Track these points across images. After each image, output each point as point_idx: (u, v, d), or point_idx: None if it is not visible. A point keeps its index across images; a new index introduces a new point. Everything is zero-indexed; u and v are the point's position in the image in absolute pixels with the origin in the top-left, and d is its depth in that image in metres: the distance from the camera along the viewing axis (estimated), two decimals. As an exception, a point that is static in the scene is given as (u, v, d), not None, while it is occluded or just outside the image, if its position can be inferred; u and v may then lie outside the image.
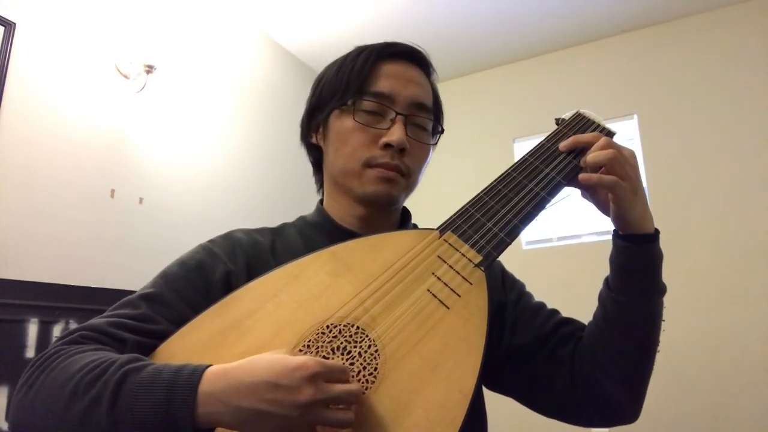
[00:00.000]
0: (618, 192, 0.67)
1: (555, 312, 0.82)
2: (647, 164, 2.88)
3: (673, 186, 2.79)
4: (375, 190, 0.75)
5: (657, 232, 0.70)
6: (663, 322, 0.72)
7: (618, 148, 0.69)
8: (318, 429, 0.52)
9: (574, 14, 2.92)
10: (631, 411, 0.73)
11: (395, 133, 0.74)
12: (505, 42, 3.18)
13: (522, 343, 0.77)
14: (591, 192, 0.73)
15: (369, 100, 0.75)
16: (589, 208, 0.76)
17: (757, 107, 2.68)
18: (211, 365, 0.53)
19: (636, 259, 0.68)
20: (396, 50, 0.79)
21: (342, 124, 0.76)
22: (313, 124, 0.83)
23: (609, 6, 2.86)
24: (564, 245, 2.97)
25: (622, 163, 0.68)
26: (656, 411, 2.49)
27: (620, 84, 3.03)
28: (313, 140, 0.83)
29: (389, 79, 0.77)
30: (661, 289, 0.70)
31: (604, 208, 0.72)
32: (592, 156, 0.69)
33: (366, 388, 0.56)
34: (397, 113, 0.75)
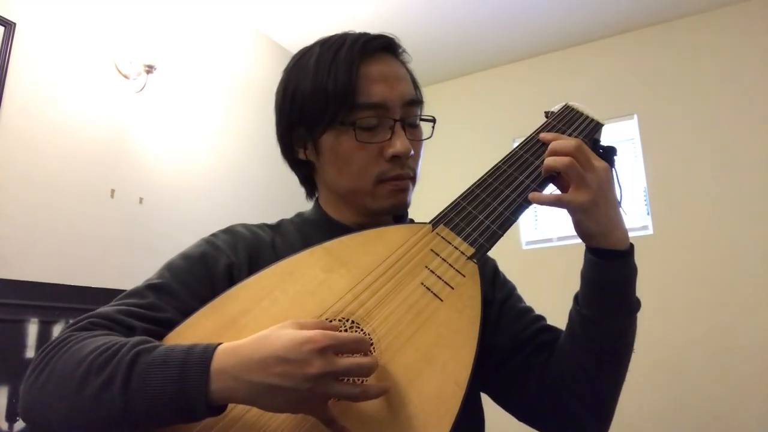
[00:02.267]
0: (569, 205, 0.64)
1: (539, 318, 0.80)
2: (647, 164, 2.88)
3: (672, 186, 2.79)
4: (391, 204, 0.74)
5: (631, 247, 0.67)
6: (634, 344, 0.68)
7: (584, 155, 0.65)
8: (332, 402, 0.53)
9: (573, 14, 2.93)
10: None
11: (400, 143, 0.71)
12: (505, 42, 3.18)
13: (500, 344, 0.76)
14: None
15: (366, 116, 0.71)
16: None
17: (757, 107, 2.69)
18: (221, 343, 0.53)
19: (604, 275, 0.65)
20: (372, 47, 0.74)
21: (340, 145, 0.72)
22: (296, 139, 0.78)
23: (609, 6, 2.86)
24: (564, 245, 2.97)
25: (579, 172, 0.64)
26: (657, 411, 2.49)
27: (620, 84, 3.03)
28: (300, 156, 0.79)
29: (377, 84, 0.72)
30: (631, 308, 0.67)
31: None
32: (547, 161, 0.67)
33: (361, 382, 0.56)
34: (395, 120, 0.72)
